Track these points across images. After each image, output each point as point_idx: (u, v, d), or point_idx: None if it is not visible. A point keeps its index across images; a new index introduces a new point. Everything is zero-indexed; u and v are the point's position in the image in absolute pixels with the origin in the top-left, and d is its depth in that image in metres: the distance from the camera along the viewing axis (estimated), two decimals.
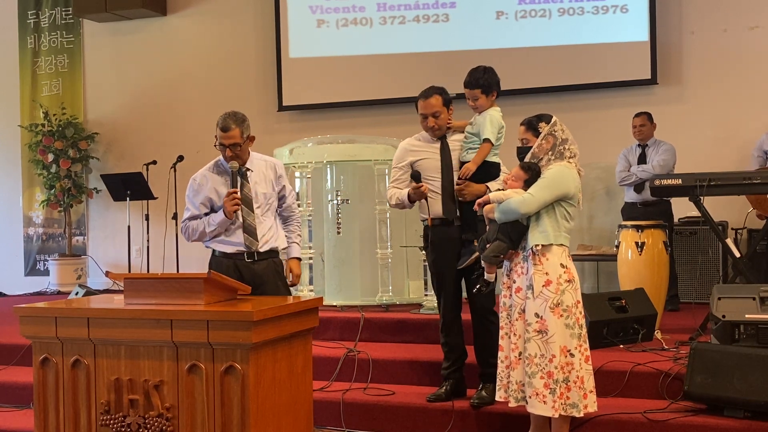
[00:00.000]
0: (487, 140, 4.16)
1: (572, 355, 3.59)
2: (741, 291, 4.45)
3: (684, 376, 4.03)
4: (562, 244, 3.67)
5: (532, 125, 3.79)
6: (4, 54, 9.51)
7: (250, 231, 4.10)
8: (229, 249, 4.11)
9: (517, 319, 3.74)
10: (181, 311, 3.03)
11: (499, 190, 3.89)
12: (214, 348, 2.97)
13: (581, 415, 3.60)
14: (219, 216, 4.08)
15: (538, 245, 3.66)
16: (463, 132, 4.32)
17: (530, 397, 3.63)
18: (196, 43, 8.82)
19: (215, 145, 4.11)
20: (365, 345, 5.16)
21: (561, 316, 3.59)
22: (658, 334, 5.04)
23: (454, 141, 4.32)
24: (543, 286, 3.62)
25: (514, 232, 3.75)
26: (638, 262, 5.38)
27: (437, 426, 4.26)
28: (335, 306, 5.83)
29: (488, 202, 3.82)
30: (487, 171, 4.20)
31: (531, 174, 3.73)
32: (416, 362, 4.82)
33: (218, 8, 8.72)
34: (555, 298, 3.60)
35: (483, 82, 4.21)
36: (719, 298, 4.42)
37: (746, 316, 4.28)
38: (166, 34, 8.93)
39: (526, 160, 3.78)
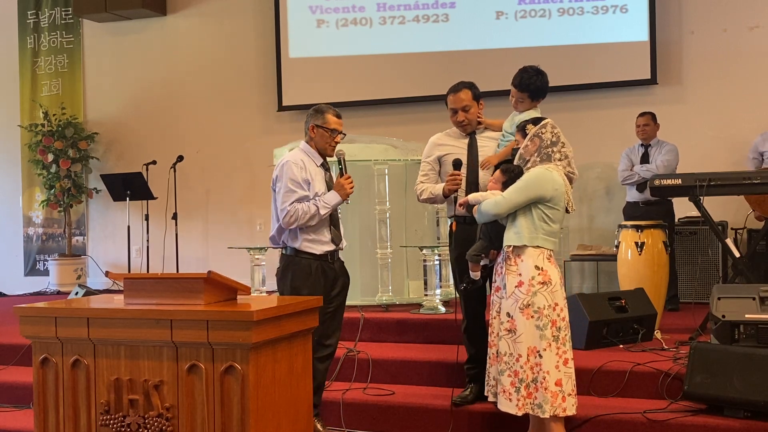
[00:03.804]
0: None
1: (541, 356, 3.61)
2: (741, 291, 4.45)
3: (684, 376, 4.03)
4: (539, 246, 3.68)
5: (522, 128, 3.85)
6: (4, 54, 9.52)
7: (336, 224, 4.10)
8: (319, 250, 4.03)
9: (494, 318, 3.82)
10: (180, 311, 3.02)
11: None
12: (214, 348, 2.97)
13: (546, 416, 3.60)
14: (334, 198, 4.02)
15: (510, 246, 3.73)
16: (494, 130, 4.28)
17: (499, 393, 3.71)
18: (196, 43, 8.82)
19: (315, 128, 4.03)
20: (365, 345, 5.16)
21: (531, 317, 3.63)
22: (657, 334, 5.04)
23: (484, 138, 4.27)
24: (515, 286, 3.69)
25: (494, 233, 3.85)
26: (638, 262, 5.37)
27: (437, 426, 4.26)
28: None
29: (468, 203, 3.90)
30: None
31: (509, 176, 3.81)
32: (416, 362, 4.82)
33: (218, 8, 8.72)
34: (526, 299, 3.64)
35: (533, 87, 4.14)
36: (719, 298, 4.41)
37: (746, 316, 4.28)
38: (166, 34, 8.92)
39: (515, 162, 3.85)
